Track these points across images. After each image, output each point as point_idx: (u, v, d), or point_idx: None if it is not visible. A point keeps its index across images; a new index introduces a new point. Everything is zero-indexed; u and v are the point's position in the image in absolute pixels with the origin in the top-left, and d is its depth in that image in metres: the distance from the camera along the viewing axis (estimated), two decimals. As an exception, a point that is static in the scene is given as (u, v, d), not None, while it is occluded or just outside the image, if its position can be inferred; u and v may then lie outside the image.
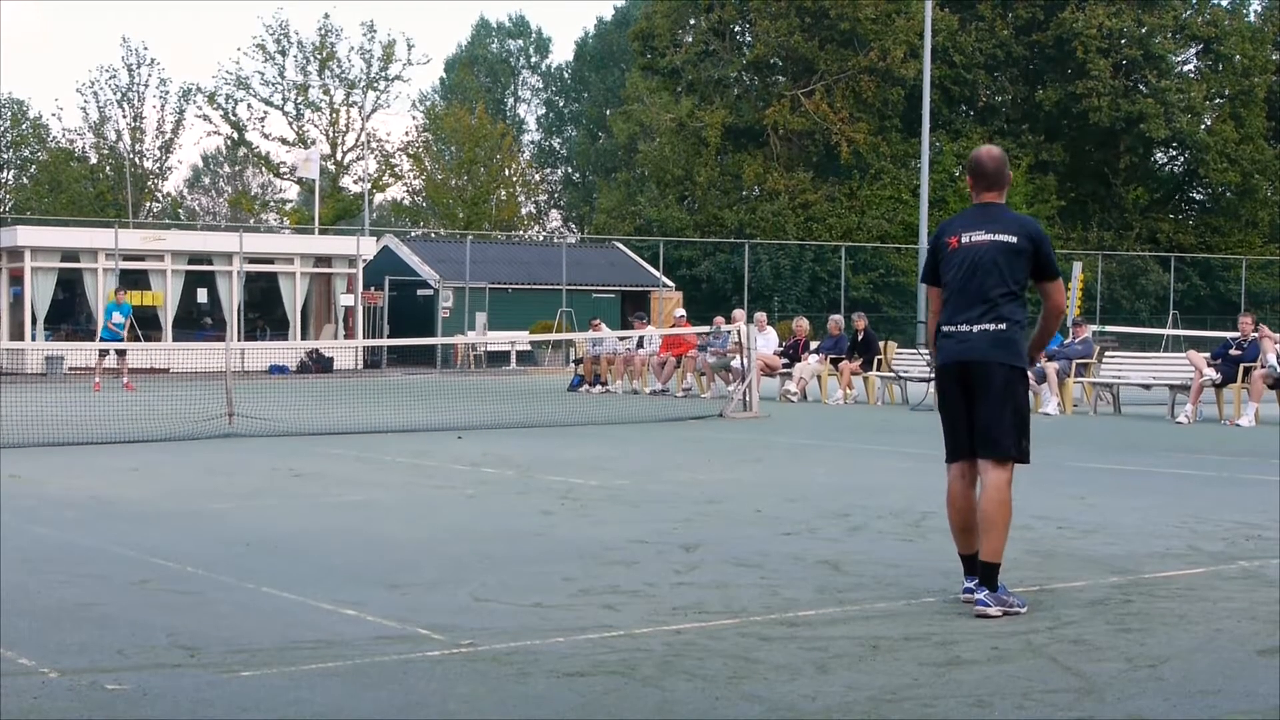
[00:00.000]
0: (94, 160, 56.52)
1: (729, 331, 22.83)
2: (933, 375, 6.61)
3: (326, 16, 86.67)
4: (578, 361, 27.29)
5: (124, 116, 56.54)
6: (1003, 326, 6.27)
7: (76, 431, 14.81)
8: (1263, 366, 17.95)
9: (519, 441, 14.91)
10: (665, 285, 42.71)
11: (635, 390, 24.50)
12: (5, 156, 59.21)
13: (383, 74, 58.72)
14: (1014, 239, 6.32)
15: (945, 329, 6.39)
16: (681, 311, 28.76)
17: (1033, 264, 6.35)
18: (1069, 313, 37.09)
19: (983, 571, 6.15)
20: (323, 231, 43.30)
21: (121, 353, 25.26)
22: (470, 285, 38.67)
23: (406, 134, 69.04)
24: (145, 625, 5.84)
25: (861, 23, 51.20)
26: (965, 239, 6.36)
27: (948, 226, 6.52)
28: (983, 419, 6.27)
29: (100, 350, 25.43)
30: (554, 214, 79.24)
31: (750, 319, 22.69)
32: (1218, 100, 56.31)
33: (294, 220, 58.95)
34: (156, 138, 57.16)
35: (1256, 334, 18.39)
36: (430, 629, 5.76)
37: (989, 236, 6.33)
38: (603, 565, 7.30)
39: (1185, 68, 57.24)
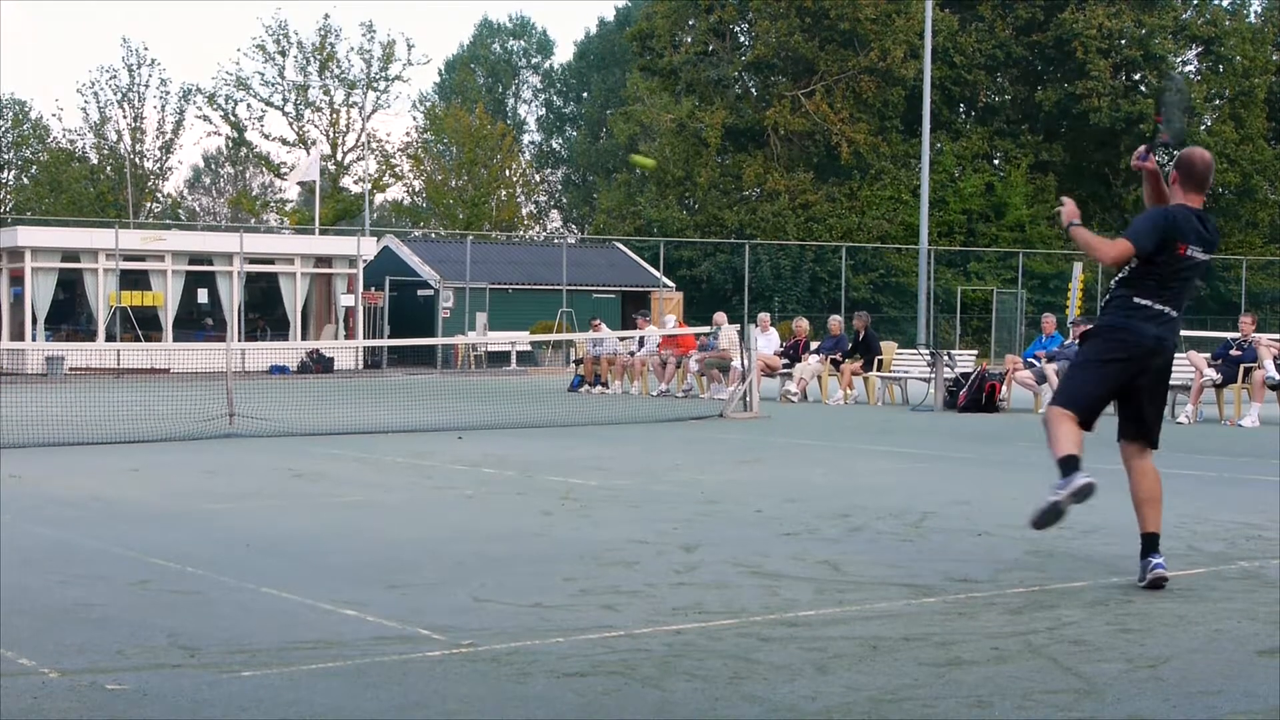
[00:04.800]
0: (94, 161, 56.54)
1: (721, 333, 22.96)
2: (1090, 333, 6.96)
3: (326, 17, 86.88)
4: (578, 362, 27.29)
5: (124, 117, 56.62)
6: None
7: (77, 432, 14.81)
8: (1260, 368, 17.95)
9: (519, 442, 14.90)
10: (665, 285, 42.71)
11: (633, 392, 24.49)
12: (6, 157, 59.24)
13: (383, 74, 58.79)
14: (1209, 260, 6.82)
15: (1142, 302, 6.70)
16: (672, 318, 28.89)
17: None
18: (1070, 312, 37.18)
19: (1154, 542, 6.73)
20: (323, 232, 43.32)
21: None
22: (470, 285, 38.68)
23: (407, 134, 69.11)
24: (145, 625, 5.83)
25: (861, 23, 51.20)
26: (1190, 252, 6.72)
27: (1184, 226, 6.71)
28: (1151, 409, 6.83)
29: None
30: (554, 214, 79.29)
31: (751, 319, 22.72)
32: (1218, 101, 56.31)
33: (294, 220, 58.97)
34: (157, 138, 57.24)
35: (1251, 342, 18.36)
36: (430, 629, 5.76)
37: (1205, 257, 6.77)
38: (603, 565, 7.30)
39: (1186, 68, 57.23)
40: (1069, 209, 7.06)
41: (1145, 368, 6.75)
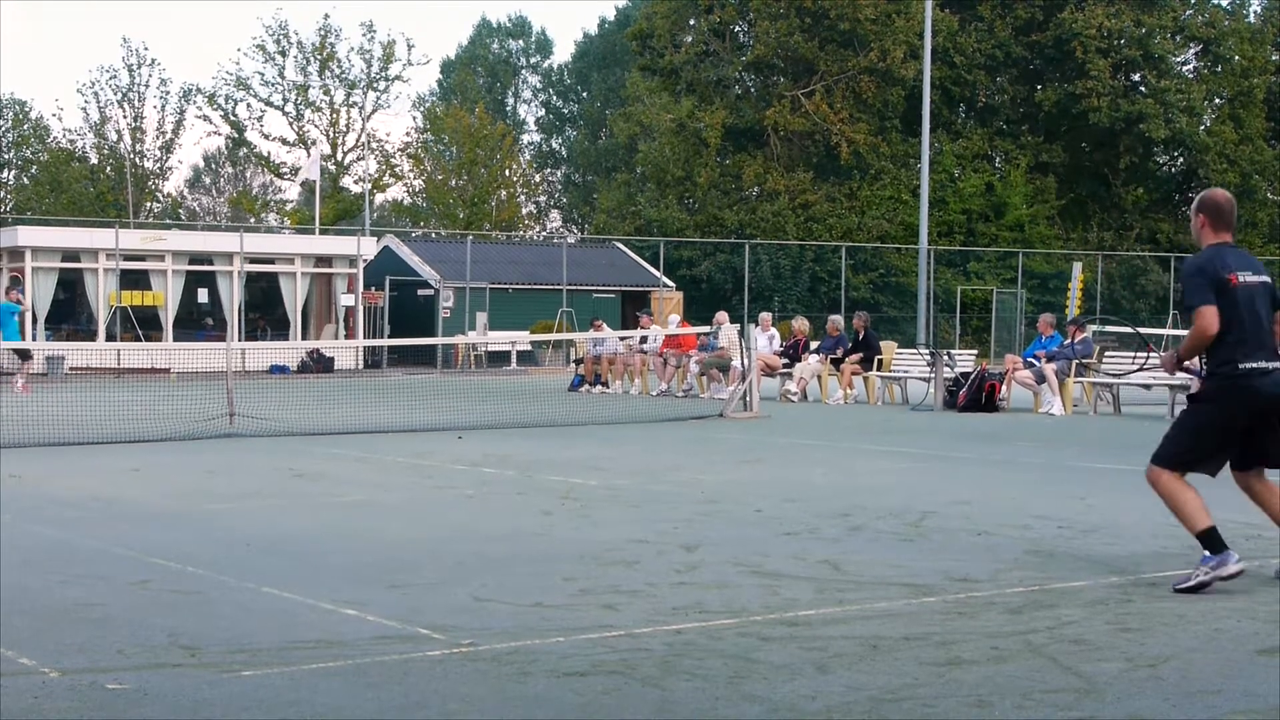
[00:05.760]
0: (94, 160, 56.50)
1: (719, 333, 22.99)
2: (1206, 399, 6.91)
3: (326, 17, 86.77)
4: (578, 361, 27.29)
5: (124, 117, 56.53)
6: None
7: (77, 431, 14.81)
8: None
9: (519, 441, 14.91)
10: (665, 285, 42.71)
11: (633, 392, 24.48)
12: (6, 157, 59.21)
13: (383, 74, 58.77)
14: (1268, 280, 6.85)
15: (1250, 366, 6.71)
16: (676, 317, 28.99)
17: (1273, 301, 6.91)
18: (1069, 312, 37.16)
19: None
20: (323, 232, 43.31)
21: (23, 354, 24.01)
22: (471, 285, 38.67)
23: (407, 134, 69.08)
24: (145, 625, 5.84)
25: (861, 23, 51.18)
26: (1241, 278, 6.74)
27: (1218, 259, 6.76)
28: (1276, 447, 6.91)
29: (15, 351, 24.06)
30: (554, 214, 79.28)
31: (751, 319, 22.74)
32: (1217, 101, 56.30)
33: (294, 220, 58.94)
34: (157, 138, 57.17)
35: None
36: (431, 629, 5.77)
37: (1258, 278, 6.80)
38: (603, 565, 7.30)
39: (1185, 68, 57.22)
40: (1168, 365, 7.21)
41: (1266, 415, 6.84)
